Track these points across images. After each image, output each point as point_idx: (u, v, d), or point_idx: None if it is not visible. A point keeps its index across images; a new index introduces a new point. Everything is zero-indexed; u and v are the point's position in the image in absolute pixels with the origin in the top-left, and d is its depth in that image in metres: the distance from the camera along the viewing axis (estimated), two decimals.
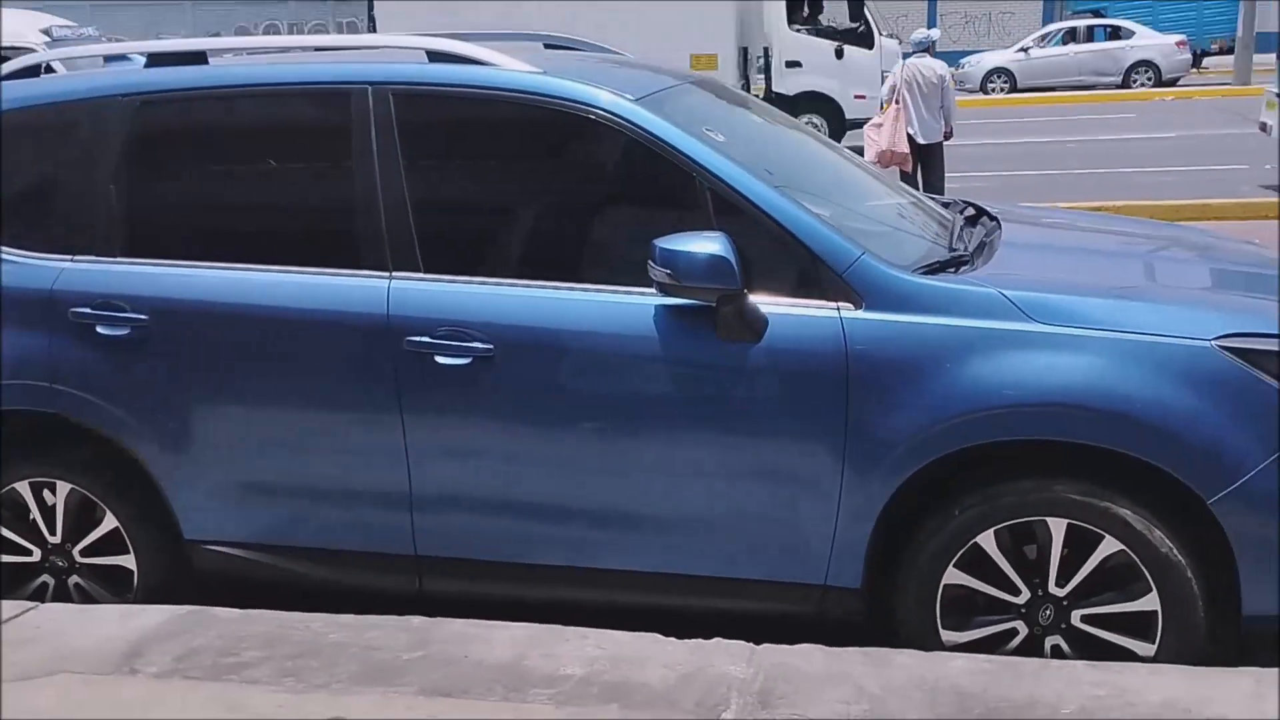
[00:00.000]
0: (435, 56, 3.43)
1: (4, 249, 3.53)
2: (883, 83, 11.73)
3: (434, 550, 3.36)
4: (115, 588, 3.59)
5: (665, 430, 3.15)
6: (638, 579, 3.28)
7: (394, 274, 3.28)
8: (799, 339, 3.04)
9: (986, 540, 2.98)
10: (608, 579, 3.29)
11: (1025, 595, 3.00)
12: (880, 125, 10.00)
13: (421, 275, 3.27)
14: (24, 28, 10.20)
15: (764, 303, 3.06)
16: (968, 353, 2.94)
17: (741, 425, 3.11)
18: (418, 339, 3.21)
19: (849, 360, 2.99)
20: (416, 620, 3.25)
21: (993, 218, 3.93)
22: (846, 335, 3.00)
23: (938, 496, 3.04)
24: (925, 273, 3.14)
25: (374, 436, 3.30)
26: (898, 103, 10.00)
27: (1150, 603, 2.92)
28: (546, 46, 4.46)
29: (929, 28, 12.36)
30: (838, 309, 3.03)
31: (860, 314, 3.01)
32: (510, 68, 3.35)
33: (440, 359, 3.21)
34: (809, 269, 3.07)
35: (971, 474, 3.01)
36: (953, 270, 3.23)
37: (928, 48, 10.36)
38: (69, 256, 3.48)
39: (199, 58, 3.64)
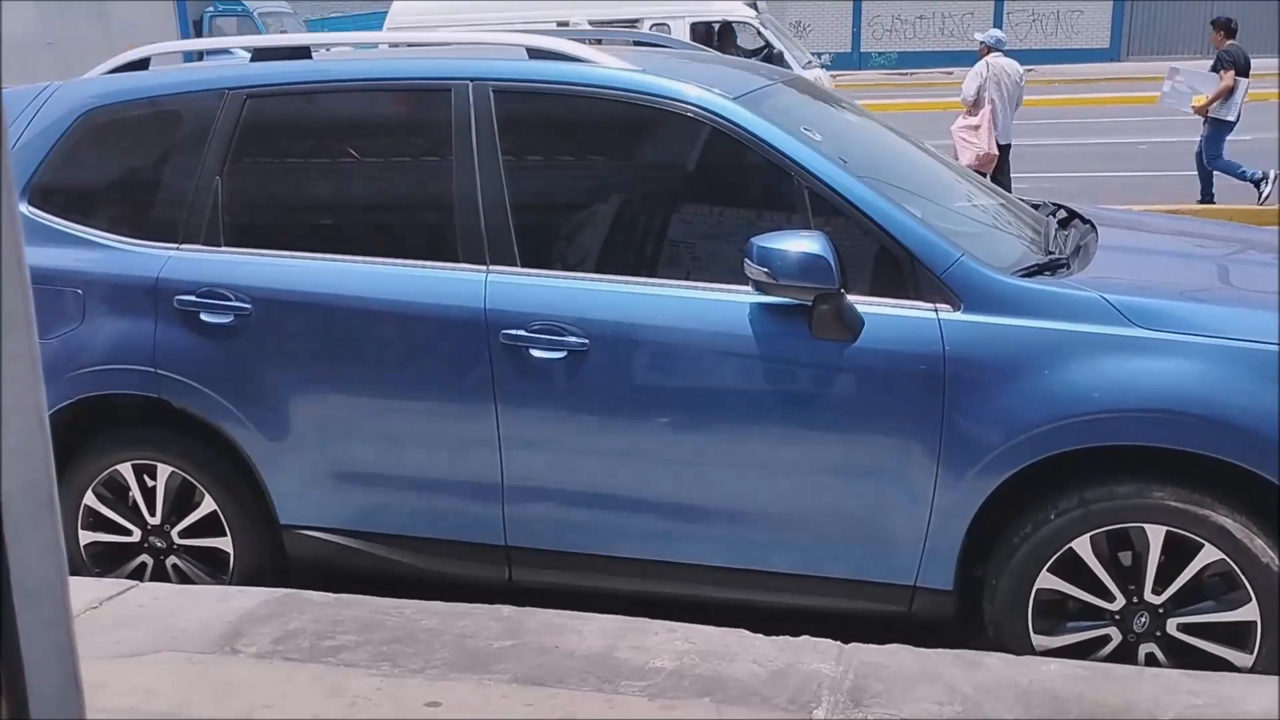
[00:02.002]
0: (535, 54, 3.47)
1: (111, 236, 3.63)
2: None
3: (524, 541, 3.41)
4: (211, 569, 3.68)
5: (758, 427, 3.17)
6: (725, 574, 3.30)
7: (491, 268, 3.32)
8: (896, 339, 3.04)
9: (1082, 545, 2.96)
10: (695, 573, 3.32)
11: (1120, 602, 2.99)
12: (977, 127, 9.85)
13: (518, 270, 3.31)
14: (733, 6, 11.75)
15: (860, 302, 3.07)
16: (1069, 357, 2.92)
17: (835, 424, 3.12)
18: (513, 332, 3.26)
19: (946, 361, 2.99)
20: (507, 609, 3.29)
21: (1086, 220, 3.90)
22: (944, 336, 2.99)
23: (1031, 498, 3.03)
24: (1024, 275, 3.13)
25: (468, 428, 3.35)
26: (991, 103, 9.87)
27: (1249, 613, 2.89)
28: (635, 44, 4.49)
29: (995, 26, 12.29)
30: (935, 310, 3.03)
31: (959, 316, 3.01)
32: (610, 66, 3.38)
33: (535, 352, 3.25)
34: (907, 269, 3.07)
35: (1067, 477, 2.99)
36: (1049, 273, 3.21)
37: (1004, 47, 10.26)
38: (175, 245, 3.57)
39: (303, 53, 3.72)
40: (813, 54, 14.47)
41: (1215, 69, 10.44)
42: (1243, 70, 10.28)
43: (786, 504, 3.20)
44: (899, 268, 3.09)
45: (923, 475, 3.04)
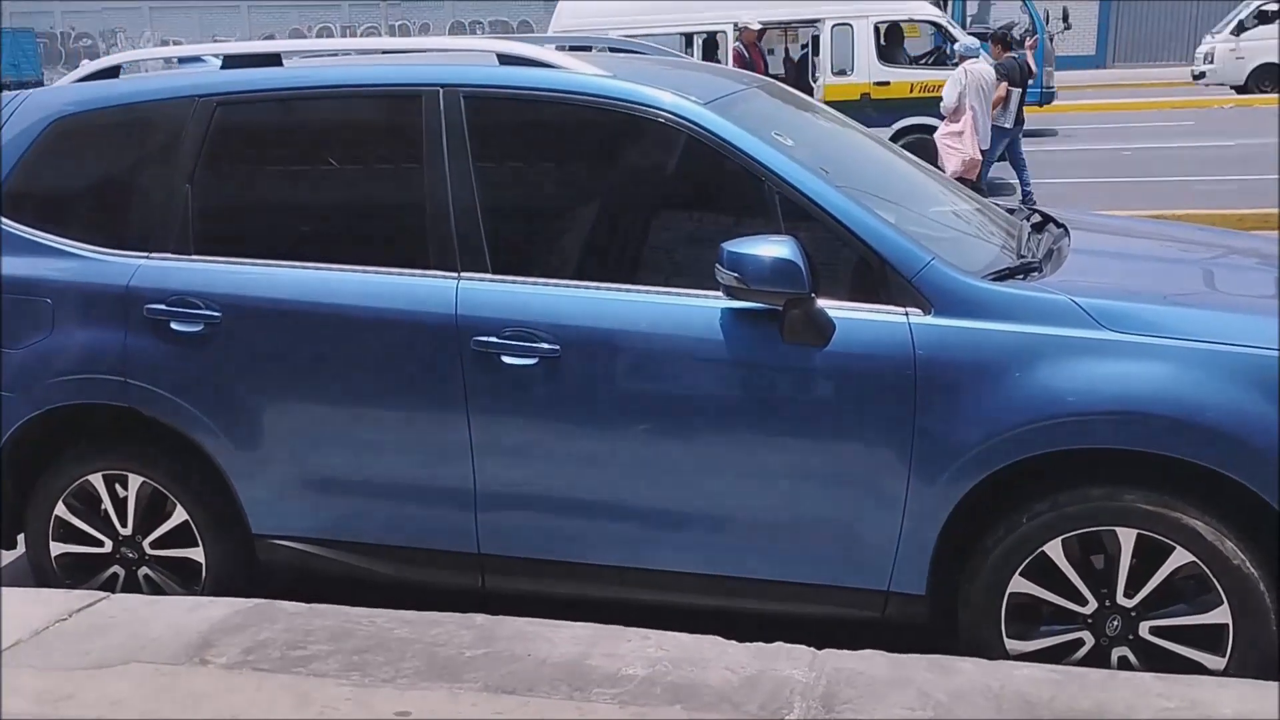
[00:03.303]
0: (505, 59, 3.47)
1: (81, 245, 3.61)
2: None
3: (497, 549, 3.40)
4: (184, 579, 3.65)
5: (729, 433, 3.16)
6: (698, 581, 3.29)
7: (462, 274, 3.31)
8: (866, 344, 3.03)
9: (1054, 549, 2.96)
10: (667, 580, 3.31)
11: (1092, 605, 2.98)
12: (960, 134, 9.93)
13: (489, 276, 3.30)
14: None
15: (831, 307, 3.06)
16: (1039, 360, 2.92)
17: (806, 429, 3.11)
18: (485, 339, 3.25)
19: (917, 365, 2.98)
20: (479, 618, 3.28)
21: (1059, 224, 3.90)
22: (915, 340, 2.99)
23: (1003, 502, 3.03)
24: (995, 279, 3.12)
25: (440, 435, 3.33)
26: (971, 109, 9.95)
27: (1221, 615, 2.88)
28: (611, 50, 4.49)
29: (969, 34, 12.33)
30: (906, 314, 3.02)
31: (929, 319, 3.00)
32: (579, 71, 3.38)
33: (507, 359, 3.24)
34: (877, 274, 3.07)
35: (1039, 481, 2.99)
36: (1022, 277, 3.21)
37: (980, 53, 10.36)
38: (144, 254, 3.55)
39: (274, 60, 3.70)
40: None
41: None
42: (1016, 81, 10.86)
43: (760, 509, 3.19)
44: (870, 272, 3.09)
45: (895, 480, 3.03)
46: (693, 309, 3.16)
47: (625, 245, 3.45)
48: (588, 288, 3.25)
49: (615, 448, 3.25)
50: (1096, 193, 11.86)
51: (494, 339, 3.24)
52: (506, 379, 3.25)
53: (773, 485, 3.17)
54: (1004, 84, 10.74)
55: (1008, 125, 10.84)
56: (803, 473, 3.14)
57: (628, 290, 3.23)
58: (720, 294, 3.09)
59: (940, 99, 10.22)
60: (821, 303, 3.04)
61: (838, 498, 3.13)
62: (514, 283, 3.29)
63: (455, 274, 3.32)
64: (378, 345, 3.37)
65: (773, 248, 2.97)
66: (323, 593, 3.53)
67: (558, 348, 3.20)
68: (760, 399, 3.15)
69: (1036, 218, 4.05)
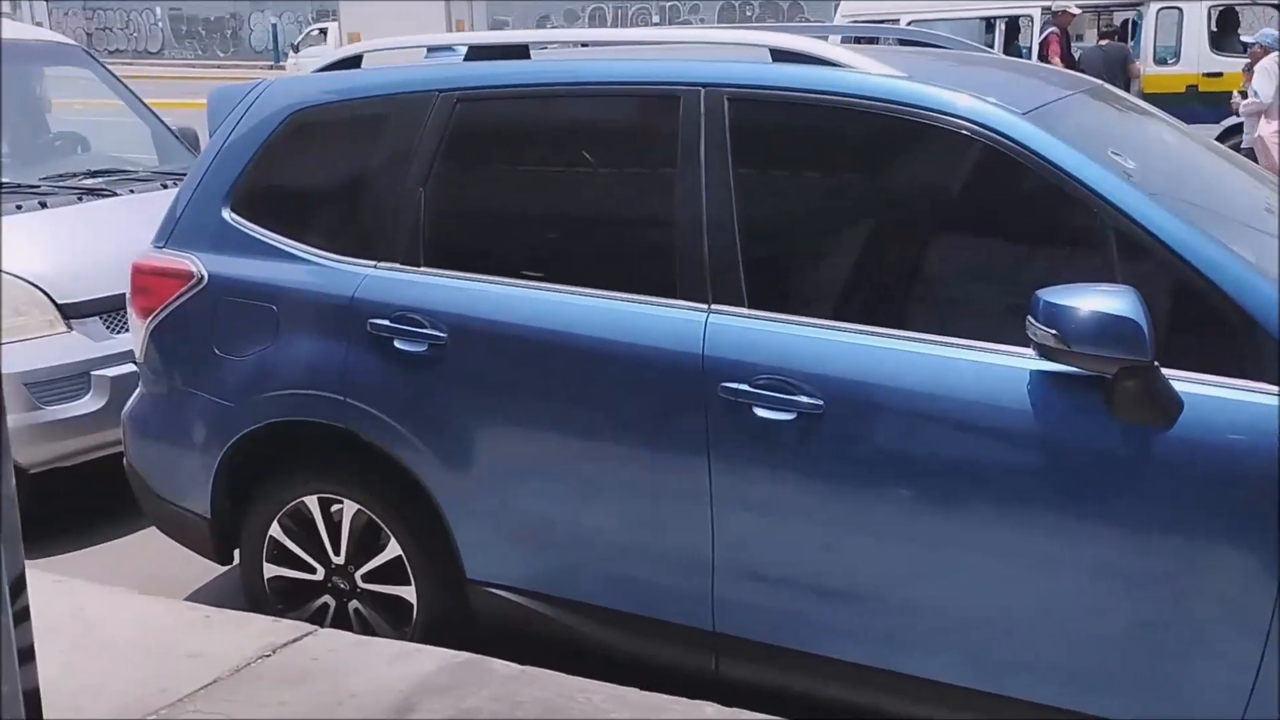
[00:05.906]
0: (779, 55, 2.95)
1: (311, 250, 3.34)
2: None
3: (735, 629, 2.91)
4: (394, 618, 3.35)
5: (1025, 522, 2.56)
6: (961, 695, 2.70)
7: (713, 307, 2.83)
8: (1226, 429, 2.36)
9: None
10: (923, 690, 2.73)
11: None
12: None
13: (744, 311, 2.81)
14: None
15: (1177, 378, 2.40)
16: None
17: (1132, 526, 2.47)
18: (735, 386, 2.75)
19: None
20: (710, 709, 2.82)
21: None
22: None
23: None
24: None
25: (677, 492, 2.88)
26: None
27: None
28: (901, 43, 3.88)
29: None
30: None
31: None
32: (866, 70, 2.82)
33: (759, 411, 2.73)
34: (1244, 340, 2.39)
35: None
36: None
37: None
38: (373, 262, 3.24)
39: (521, 51, 3.32)
40: None
41: None
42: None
43: (1056, 619, 2.57)
44: (1230, 336, 2.41)
45: (1257, 601, 2.35)
46: (993, 368, 2.57)
47: (912, 283, 2.86)
48: (862, 333, 2.70)
49: (881, 525, 2.70)
50: None
51: (745, 386, 2.74)
52: (757, 434, 2.75)
53: (1079, 591, 2.54)
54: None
55: None
56: (1122, 579, 2.50)
57: (911, 339, 2.66)
58: (1029, 352, 2.48)
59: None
60: (1166, 372, 2.38)
61: (1165, 615, 2.47)
62: (773, 320, 2.78)
63: (705, 306, 2.84)
64: (614, 381, 2.94)
65: (1105, 300, 2.34)
66: (535, 648, 3.16)
67: (821, 403, 2.67)
68: (1073, 485, 2.52)
69: None
